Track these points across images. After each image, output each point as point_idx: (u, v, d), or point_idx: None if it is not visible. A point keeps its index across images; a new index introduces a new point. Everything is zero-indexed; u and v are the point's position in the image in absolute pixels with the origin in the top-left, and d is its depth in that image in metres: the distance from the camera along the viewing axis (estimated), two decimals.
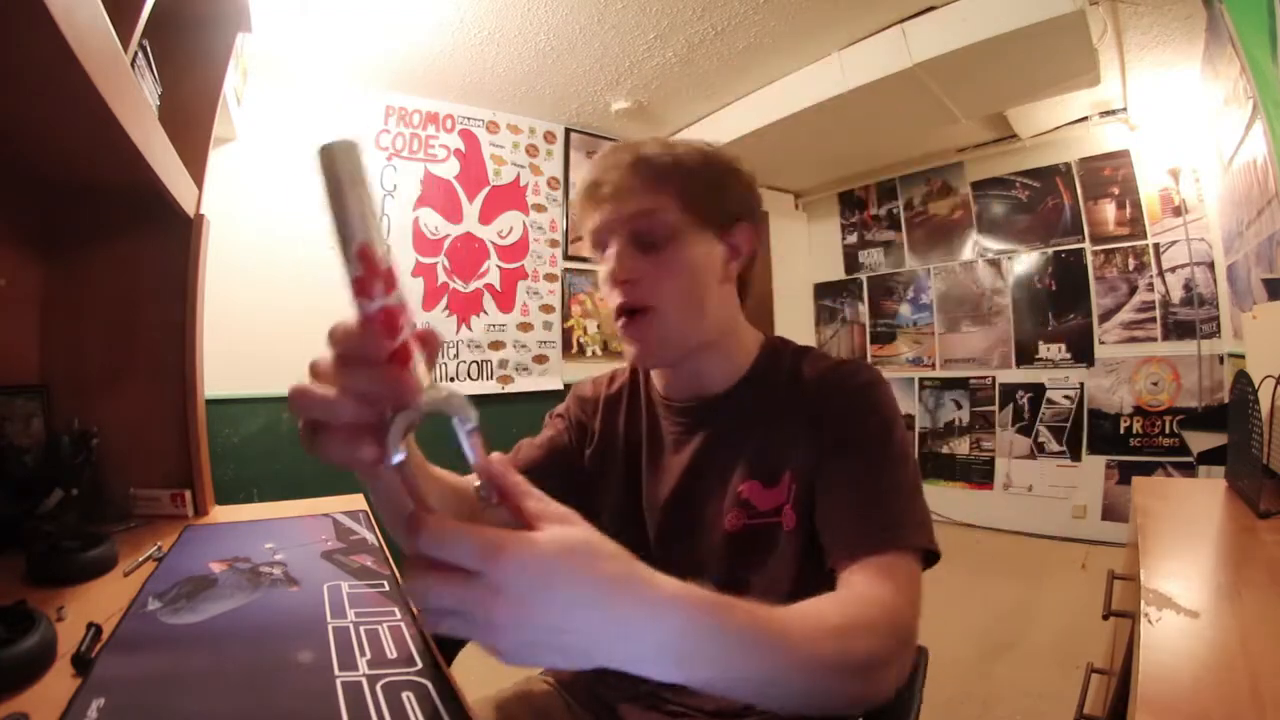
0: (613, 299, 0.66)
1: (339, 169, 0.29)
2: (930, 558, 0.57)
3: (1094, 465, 3.08)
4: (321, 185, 0.29)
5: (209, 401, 1.13)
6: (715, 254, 0.67)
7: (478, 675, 0.88)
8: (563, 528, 0.31)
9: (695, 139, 0.69)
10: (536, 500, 0.33)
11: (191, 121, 1.06)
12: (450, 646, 0.82)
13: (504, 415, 2.63)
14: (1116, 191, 3.04)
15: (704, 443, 0.69)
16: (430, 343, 0.32)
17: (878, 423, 0.61)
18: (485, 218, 2.80)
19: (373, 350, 0.30)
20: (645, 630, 0.32)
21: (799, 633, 0.40)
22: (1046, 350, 3.25)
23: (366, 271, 0.29)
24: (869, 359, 3.93)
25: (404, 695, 0.49)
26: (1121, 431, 3.01)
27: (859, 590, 0.51)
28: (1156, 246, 2.93)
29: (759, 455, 0.65)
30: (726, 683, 0.37)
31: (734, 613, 0.36)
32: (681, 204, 0.64)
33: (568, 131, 3.02)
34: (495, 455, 0.33)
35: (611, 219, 0.65)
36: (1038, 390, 3.27)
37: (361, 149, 0.30)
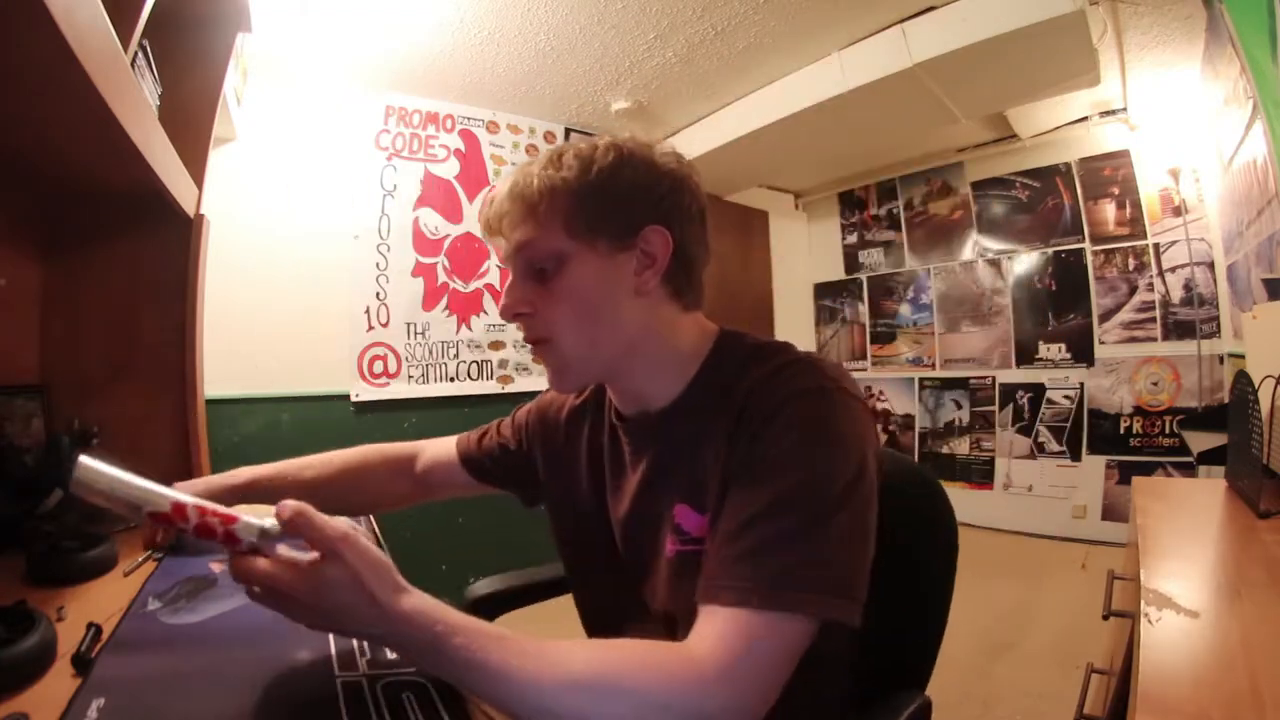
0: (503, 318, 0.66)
1: (95, 488, 0.45)
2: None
3: (1094, 465, 3.08)
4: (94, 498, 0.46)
5: (209, 401, 1.13)
6: (618, 268, 0.60)
7: None
8: (333, 565, 0.45)
9: (618, 137, 0.64)
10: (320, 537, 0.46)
11: (191, 121, 1.07)
12: None
13: (504, 415, 2.62)
14: (1116, 191, 3.04)
15: (650, 463, 0.65)
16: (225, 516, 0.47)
17: (787, 449, 0.51)
18: None
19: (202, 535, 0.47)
20: (380, 633, 0.46)
21: (526, 677, 0.44)
22: (1046, 350, 3.25)
23: (163, 519, 0.47)
24: (869, 359, 3.94)
25: (404, 695, 0.49)
26: (1121, 431, 3.01)
27: (686, 646, 0.46)
28: (1156, 246, 2.93)
29: (690, 478, 0.60)
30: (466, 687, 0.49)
31: (453, 641, 0.45)
32: (566, 227, 0.60)
33: (568, 131, 3.02)
34: (288, 506, 0.46)
35: (504, 253, 0.65)
36: (1038, 390, 3.27)
37: (91, 463, 0.46)
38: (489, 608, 0.90)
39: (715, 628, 0.46)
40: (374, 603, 0.45)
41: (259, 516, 0.47)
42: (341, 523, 0.46)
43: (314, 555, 0.45)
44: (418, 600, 0.47)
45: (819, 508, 0.49)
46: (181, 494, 0.47)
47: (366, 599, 0.45)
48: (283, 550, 0.46)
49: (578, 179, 0.60)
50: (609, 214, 0.60)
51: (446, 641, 0.45)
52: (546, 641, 0.46)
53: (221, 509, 0.47)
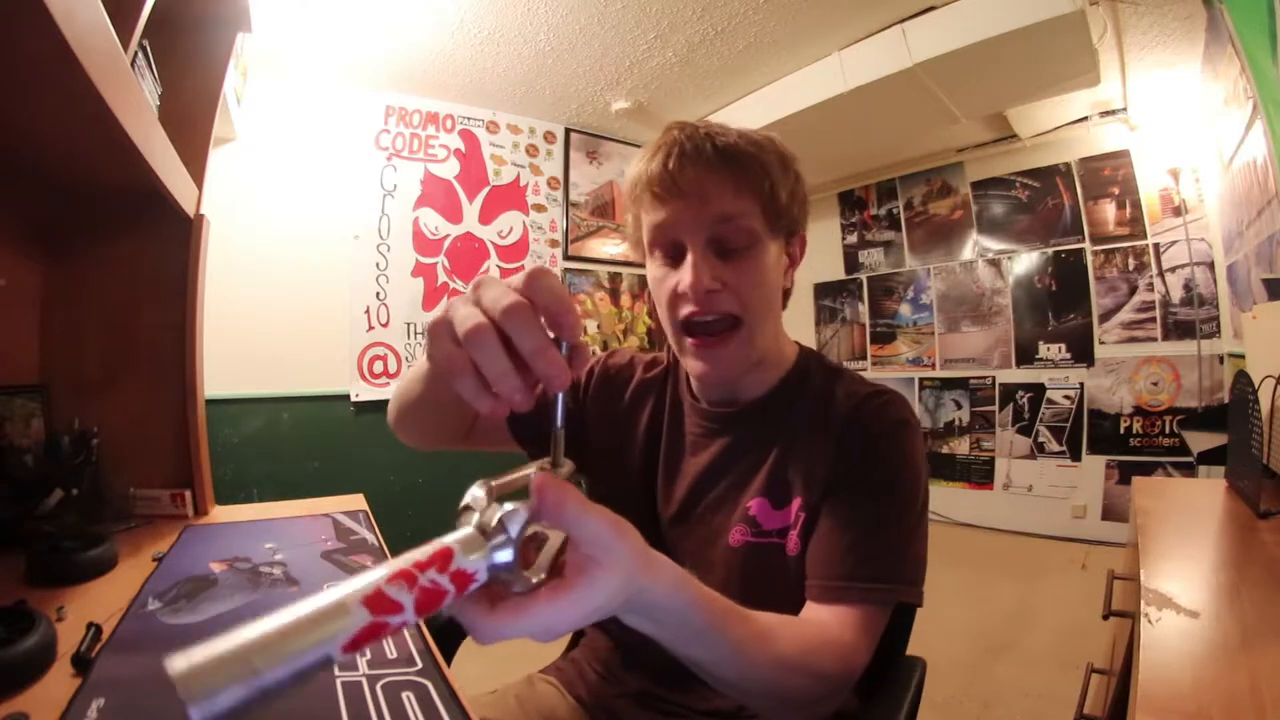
0: (681, 308, 0.60)
1: (224, 687, 0.22)
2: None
3: (1094, 465, 3.08)
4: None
5: (209, 401, 1.13)
6: (780, 264, 0.65)
7: (477, 675, 0.88)
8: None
9: (756, 130, 0.64)
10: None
11: (191, 121, 1.06)
12: (450, 646, 0.82)
13: None
14: (1116, 191, 3.04)
15: (722, 451, 0.67)
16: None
17: (896, 468, 0.60)
18: (485, 218, 2.80)
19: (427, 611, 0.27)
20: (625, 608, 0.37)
21: (749, 658, 0.44)
22: (1046, 350, 3.25)
23: (365, 638, 0.24)
24: (869, 359, 3.94)
25: (404, 695, 0.49)
26: (1121, 431, 3.01)
27: (826, 633, 0.53)
28: (1156, 246, 2.93)
29: (773, 474, 0.63)
30: (691, 657, 0.43)
31: (699, 615, 0.41)
32: (763, 209, 0.61)
33: (568, 131, 3.02)
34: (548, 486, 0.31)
35: (689, 219, 0.59)
36: (1038, 390, 3.27)
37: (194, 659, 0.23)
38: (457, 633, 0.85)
39: (856, 620, 0.54)
40: (640, 589, 0.37)
41: (461, 531, 0.28)
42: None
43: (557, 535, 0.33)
44: (669, 572, 0.39)
45: (916, 520, 0.59)
46: (349, 584, 0.25)
47: (636, 589, 0.36)
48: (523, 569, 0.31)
49: (780, 169, 0.62)
50: (792, 212, 0.64)
51: (693, 614, 0.40)
52: (754, 617, 0.46)
53: (416, 557, 0.27)
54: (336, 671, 0.52)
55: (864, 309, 3.98)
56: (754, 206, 0.60)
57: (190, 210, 1.05)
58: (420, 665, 0.54)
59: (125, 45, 0.69)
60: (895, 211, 3.84)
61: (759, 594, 0.50)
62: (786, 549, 0.61)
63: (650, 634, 0.40)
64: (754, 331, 0.61)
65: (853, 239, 4.05)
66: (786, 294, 0.70)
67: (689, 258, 0.59)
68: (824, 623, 0.54)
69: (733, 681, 0.45)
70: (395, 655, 0.56)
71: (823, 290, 4.19)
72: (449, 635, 0.82)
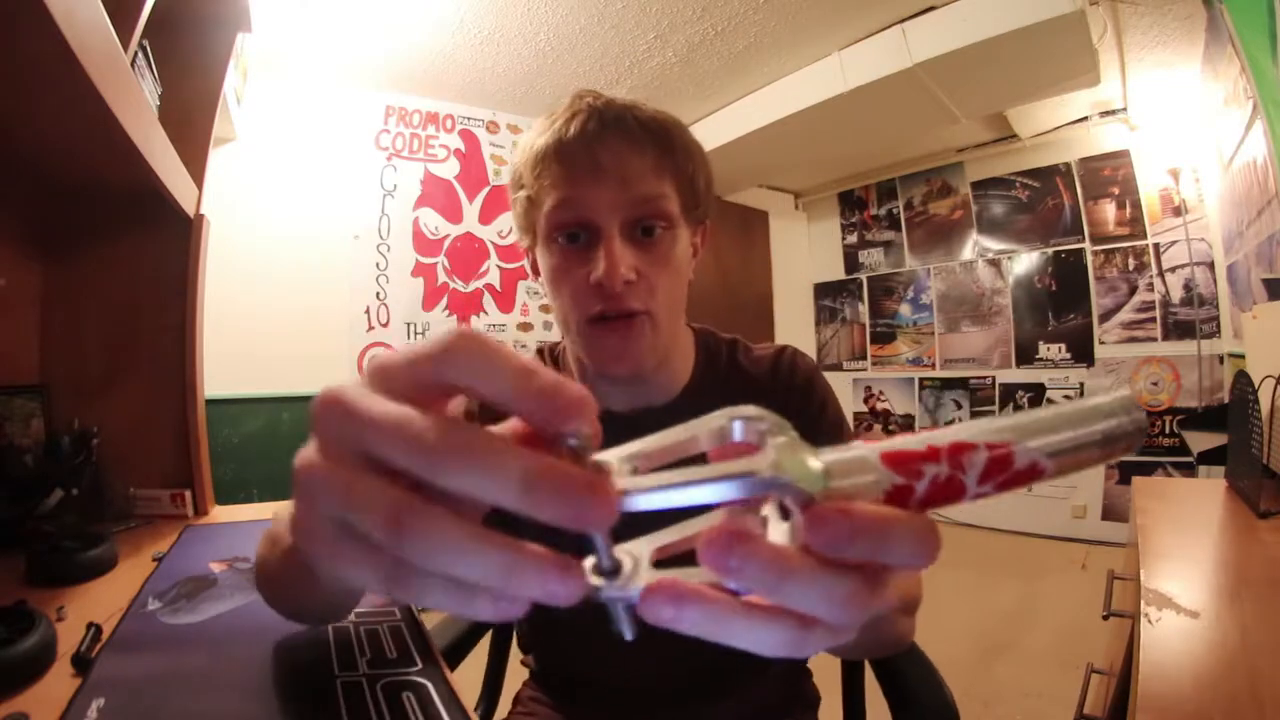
0: (591, 303, 0.54)
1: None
2: None
3: None
4: None
5: (209, 401, 1.13)
6: (688, 252, 0.60)
7: (477, 675, 0.88)
8: None
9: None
10: None
11: (191, 121, 1.06)
12: (449, 646, 0.81)
13: None
14: (1116, 191, 3.04)
15: None
16: None
17: (834, 404, 0.66)
18: (485, 218, 2.80)
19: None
20: None
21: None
22: (1046, 350, 3.25)
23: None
24: (869, 359, 3.94)
25: (404, 695, 0.49)
26: None
27: None
28: (1156, 246, 2.93)
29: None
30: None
31: None
32: (680, 194, 0.56)
33: None
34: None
35: (607, 198, 0.53)
36: (1038, 390, 3.27)
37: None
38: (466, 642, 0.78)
39: None
40: None
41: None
42: None
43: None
44: None
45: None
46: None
47: None
48: None
49: (698, 153, 0.58)
50: (706, 199, 0.60)
51: None
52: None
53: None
54: (336, 671, 0.53)
55: (864, 309, 3.98)
56: (673, 190, 0.56)
57: (190, 210, 1.05)
58: (420, 665, 0.54)
59: (125, 45, 0.69)
60: (895, 211, 3.84)
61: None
62: None
63: None
64: (661, 323, 0.57)
65: (853, 239, 4.05)
66: (689, 286, 0.64)
67: (604, 245, 0.53)
68: None
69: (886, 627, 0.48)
70: (395, 655, 0.56)
71: (823, 290, 4.19)
72: (449, 635, 0.81)
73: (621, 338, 0.55)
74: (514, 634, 0.82)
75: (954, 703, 0.61)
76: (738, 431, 0.20)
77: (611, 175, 0.53)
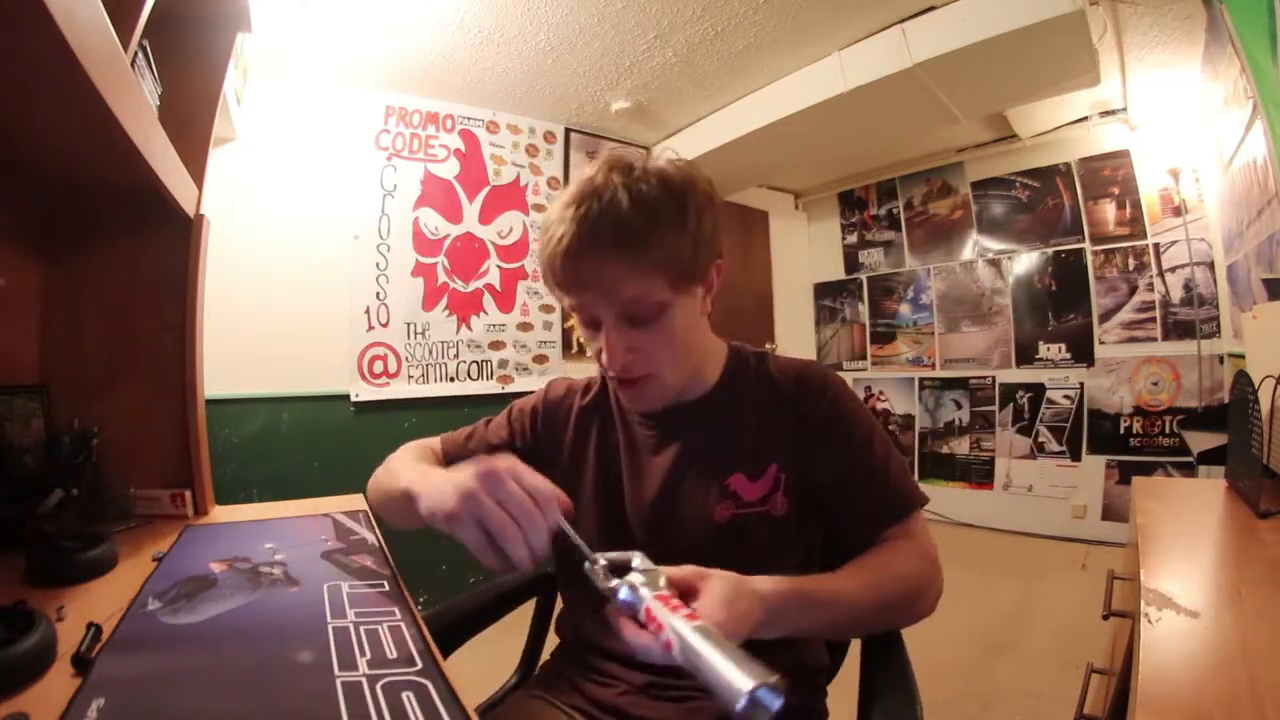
0: (607, 368, 0.68)
1: None
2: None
3: (1094, 465, 3.08)
4: None
5: (209, 401, 1.13)
6: (696, 301, 0.69)
7: (477, 675, 0.88)
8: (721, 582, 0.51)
9: (665, 162, 0.66)
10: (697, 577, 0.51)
11: (191, 121, 1.06)
12: (450, 646, 0.82)
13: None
14: (1116, 191, 3.04)
15: (685, 446, 0.73)
16: None
17: (859, 416, 0.72)
18: (485, 218, 2.80)
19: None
20: (762, 617, 0.52)
21: (855, 588, 0.61)
22: (1046, 350, 3.26)
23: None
24: (869, 359, 3.95)
25: (404, 695, 0.49)
26: (1121, 431, 3.01)
27: (900, 546, 0.67)
28: (1156, 246, 2.93)
29: (743, 451, 0.71)
30: (807, 630, 0.58)
31: (803, 590, 0.56)
32: (669, 279, 0.63)
33: (568, 131, 3.02)
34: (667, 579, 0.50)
35: (599, 302, 0.64)
36: (1038, 390, 3.27)
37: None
38: (449, 638, 0.83)
39: (915, 529, 0.69)
40: (757, 593, 0.52)
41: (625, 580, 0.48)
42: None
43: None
44: (768, 582, 0.54)
45: (889, 444, 0.72)
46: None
47: (750, 593, 0.52)
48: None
49: (676, 231, 0.63)
50: (703, 262, 0.67)
51: (810, 600, 0.57)
52: (851, 572, 0.63)
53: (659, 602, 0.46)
54: (336, 671, 0.53)
55: (864, 309, 3.98)
56: (659, 279, 0.63)
57: (190, 210, 1.05)
58: (420, 665, 0.54)
59: (125, 45, 0.69)
60: (895, 211, 3.84)
61: (746, 558, 0.59)
62: (772, 512, 0.69)
63: (795, 633, 0.55)
64: (666, 379, 0.69)
65: (853, 239, 4.05)
66: (709, 313, 0.75)
67: (603, 334, 0.66)
68: (896, 545, 0.67)
69: (869, 622, 0.63)
70: (395, 655, 0.56)
71: (823, 290, 4.19)
72: (449, 635, 0.82)
73: (635, 392, 0.69)
74: (554, 617, 0.93)
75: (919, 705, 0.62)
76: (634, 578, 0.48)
77: (598, 284, 0.63)
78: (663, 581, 0.48)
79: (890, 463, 0.70)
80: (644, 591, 0.46)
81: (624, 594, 0.47)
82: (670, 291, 0.64)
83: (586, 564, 0.51)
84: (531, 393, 0.87)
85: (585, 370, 0.97)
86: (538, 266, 0.74)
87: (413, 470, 0.68)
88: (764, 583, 0.54)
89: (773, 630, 0.53)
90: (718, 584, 0.50)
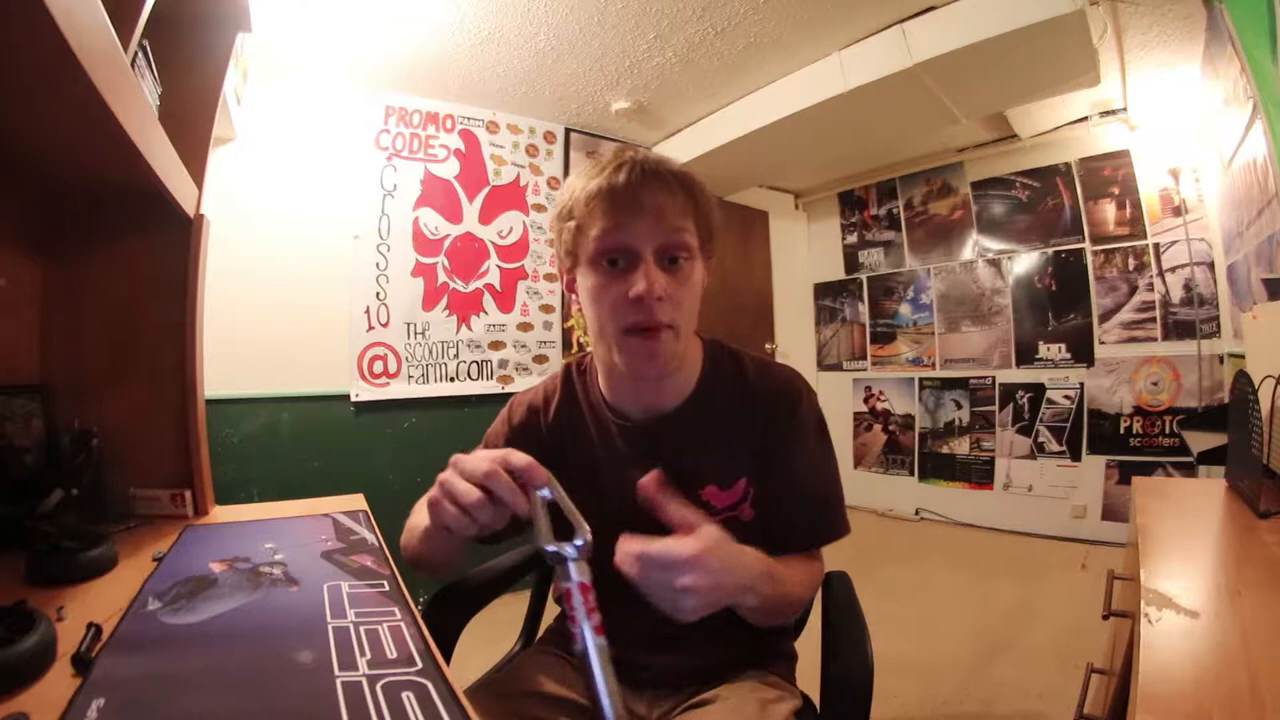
0: (629, 315, 0.68)
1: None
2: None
3: (1094, 465, 3.08)
4: None
5: (209, 401, 1.13)
6: (701, 278, 0.75)
7: (477, 675, 0.88)
8: (708, 529, 0.55)
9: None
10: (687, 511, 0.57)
11: (191, 121, 1.06)
12: (449, 646, 0.82)
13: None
14: (1116, 191, 3.04)
15: (663, 458, 0.73)
16: None
17: (812, 442, 0.77)
18: (485, 218, 2.80)
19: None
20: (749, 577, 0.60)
21: (794, 581, 0.70)
22: (1046, 350, 3.26)
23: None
24: (869, 359, 3.95)
25: (404, 695, 0.49)
26: (1121, 431, 3.01)
27: (812, 560, 0.76)
28: (1156, 246, 2.93)
29: (716, 465, 0.76)
30: (761, 600, 0.62)
31: (774, 572, 0.64)
32: (699, 231, 0.71)
33: (568, 131, 3.02)
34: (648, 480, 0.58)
35: (645, 230, 0.68)
36: (1038, 390, 3.27)
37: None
38: (457, 613, 0.89)
39: (818, 554, 0.78)
40: (742, 550, 0.59)
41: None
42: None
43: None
44: (758, 562, 0.62)
45: (835, 469, 0.80)
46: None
47: (738, 548, 0.58)
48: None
49: (703, 195, 0.72)
50: (714, 241, 0.74)
51: (774, 572, 0.64)
52: (792, 567, 0.71)
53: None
54: (336, 671, 0.53)
55: (864, 309, 3.98)
56: (694, 226, 0.71)
57: (190, 210, 1.05)
58: (420, 665, 0.54)
59: (125, 45, 0.69)
60: (895, 211, 3.84)
61: None
62: (740, 518, 0.76)
63: (753, 603, 0.62)
64: (683, 335, 0.72)
65: (853, 239, 4.05)
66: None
67: (642, 267, 0.68)
68: (808, 560, 0.76)
69: (778, 610, 0.69)
70: (395, 655, 0.56)
71: (823, 290, 4.19)
72: (449, 635, 0.82)
73: (651, 345, 0.69)
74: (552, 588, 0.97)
75: (871, 660, 0.73)
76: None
77: (650, 212, 0.67)
78: (585, 572, 0.51)
79: (829, 493, 0.77)
80: (572, 569, 0.50)
81: (552, 549, 0.51)
82: (698, 241, 0.71)
83: (539, 516, 0.54)
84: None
85: None
86: (558, 223, 0.75)
87: (420, 509, 0.74)
88: (755, 561, 0.61)
89: (746, 598, 0.60)
90: (723, 543, 0.55)
